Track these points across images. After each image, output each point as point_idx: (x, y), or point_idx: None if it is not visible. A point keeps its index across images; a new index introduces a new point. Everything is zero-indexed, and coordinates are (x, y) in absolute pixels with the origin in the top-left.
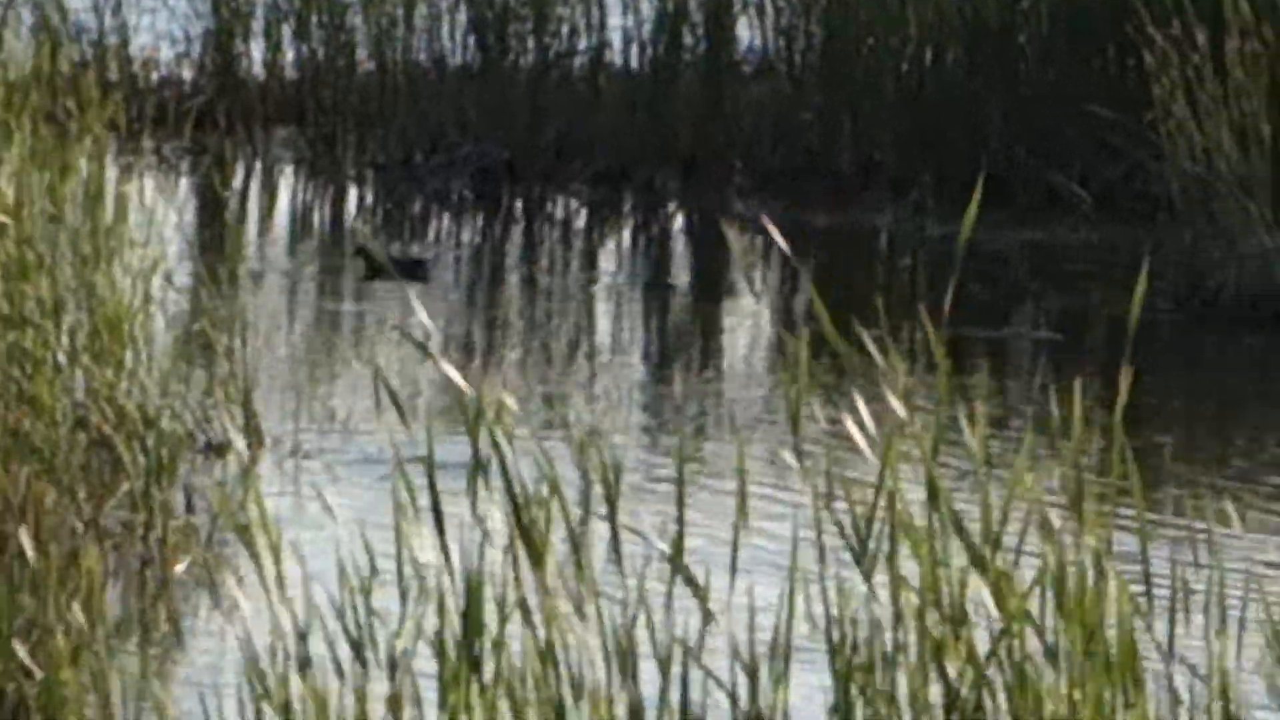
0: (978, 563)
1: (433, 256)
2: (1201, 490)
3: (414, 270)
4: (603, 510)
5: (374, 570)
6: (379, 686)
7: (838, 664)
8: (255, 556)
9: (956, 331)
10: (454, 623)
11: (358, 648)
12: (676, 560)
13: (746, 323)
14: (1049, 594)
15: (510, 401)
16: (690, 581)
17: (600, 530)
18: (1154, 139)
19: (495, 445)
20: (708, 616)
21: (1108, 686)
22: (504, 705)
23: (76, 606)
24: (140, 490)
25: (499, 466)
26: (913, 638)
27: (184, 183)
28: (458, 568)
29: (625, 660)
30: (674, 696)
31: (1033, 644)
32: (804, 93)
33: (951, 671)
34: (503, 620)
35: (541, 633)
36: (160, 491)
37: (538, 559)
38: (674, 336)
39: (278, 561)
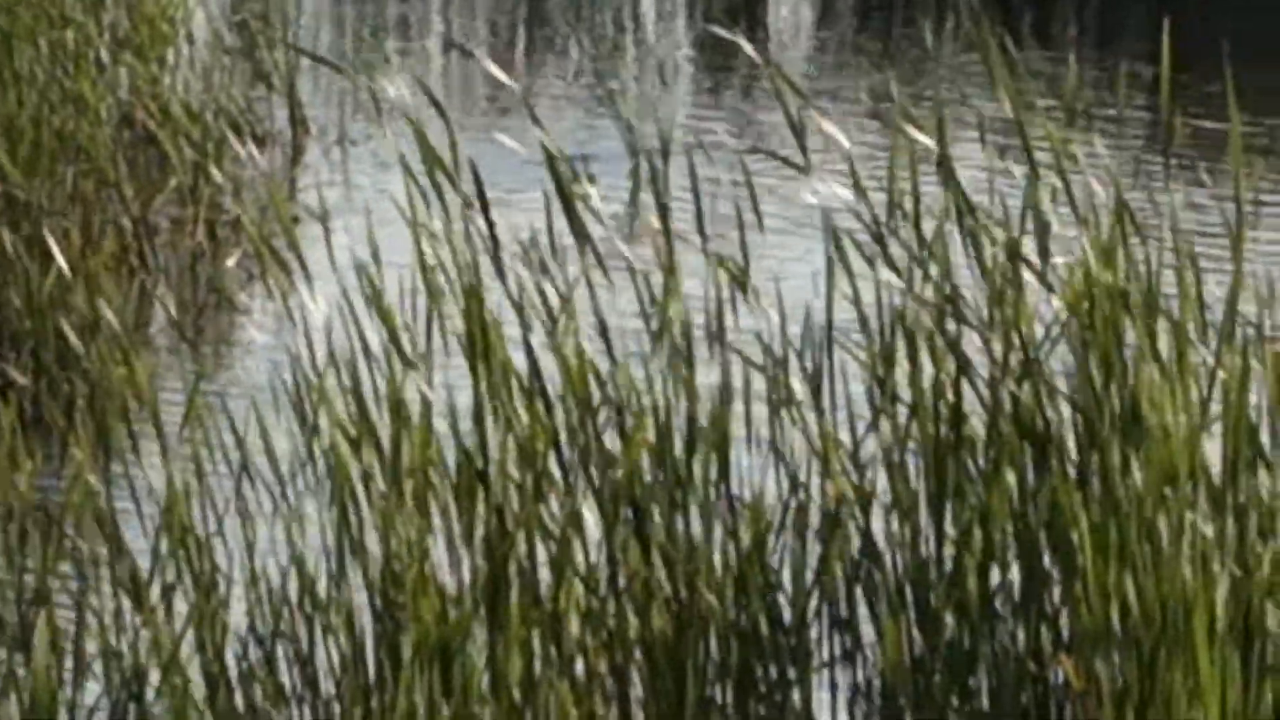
0: (1012, 252)
1: None
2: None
3: None
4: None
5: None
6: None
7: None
8: (304, 248)
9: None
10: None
11: (396, 338)
12: (707, 237)
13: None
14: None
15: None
16: (726, 261)
17: (647, 208)
18: None
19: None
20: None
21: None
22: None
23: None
24: (188, 185)
25: (540, 146)
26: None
27: None
28: (477, 254)
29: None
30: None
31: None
32: None
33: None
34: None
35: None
36: (208, 186)
37: (579, 229)
38: (718, 20)
39: (328, 251)
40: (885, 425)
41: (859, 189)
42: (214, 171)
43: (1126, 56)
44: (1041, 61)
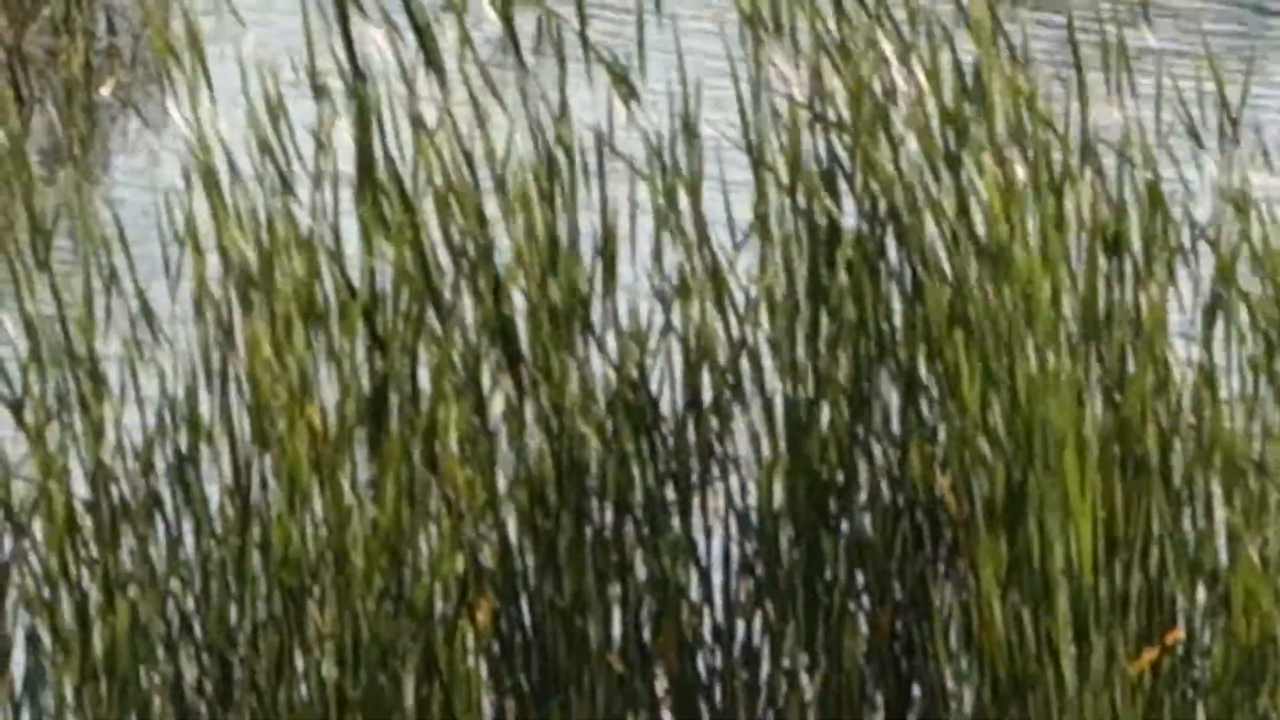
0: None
1: None
2: None
3: None
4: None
5: (292, 78)
6: (300, 197)
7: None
8: (176, 76)
9: None
10: (351, 130)
11: (274, 164)
12: (591, 47)
13: None
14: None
15: None
16: (615, 71)
17: (523, 29)
18: None
19: None
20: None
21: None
22: (427, 207)
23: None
24: (61, 15)
25: None
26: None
27: None
28: (360, 72)
29: (548, 156)
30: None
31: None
32: None
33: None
34: (417, 124)
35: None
36: (81, 14)
37: (437, 68)
38: None
39: (197, 77)
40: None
41: None
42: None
43: None
44: None
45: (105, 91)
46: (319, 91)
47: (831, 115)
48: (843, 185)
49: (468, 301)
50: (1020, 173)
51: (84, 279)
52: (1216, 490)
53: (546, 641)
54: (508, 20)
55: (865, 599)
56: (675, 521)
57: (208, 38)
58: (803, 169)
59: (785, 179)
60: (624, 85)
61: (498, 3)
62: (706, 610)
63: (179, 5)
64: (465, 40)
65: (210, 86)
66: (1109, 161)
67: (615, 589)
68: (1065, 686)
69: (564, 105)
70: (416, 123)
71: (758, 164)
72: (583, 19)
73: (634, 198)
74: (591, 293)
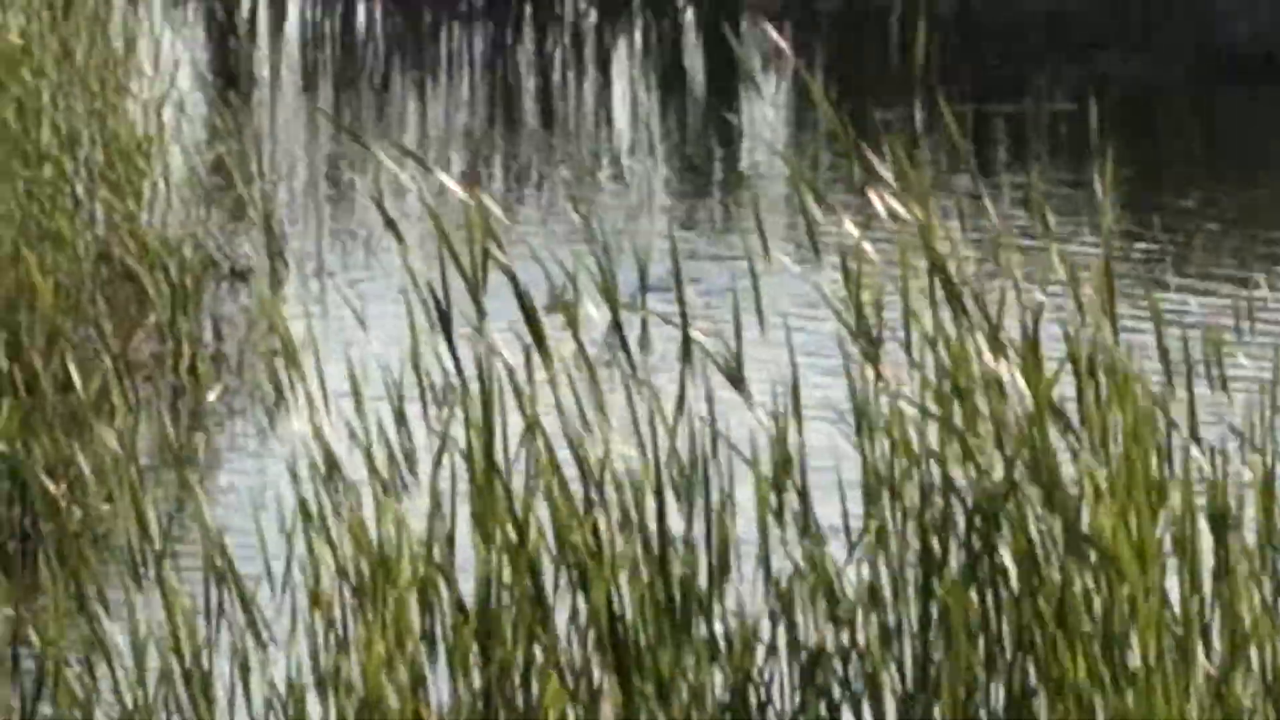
0: (994, 341)
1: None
2: (1226, 256)
3: None
4: (627, 306)
5: (399, 386)
6: (414, 501)
7: (862, 450)
8: (285, 379)
9: (975, 106)
10: (475, 436)
11: (387, 462)
12: (702, 347)
13: (765, 115)
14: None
15: (499, 212)
16: (726, 367)
17: (630, 323)
18: None
19: (490, 255)
20: (737, 386)
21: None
22: (540, 509)
23: (109, 438)
24: (167, 320)
25: (507, 277)
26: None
27: (190, 11)
28: (472, 378)
29: (655, 443)
30: (700, 476)
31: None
32: None
33: (973, 453)
34: (531, 429)
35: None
36: (186, 320)
37: (548, 361)
38: (693, 135)
39: (307, 382)
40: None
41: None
42: (193, 307)
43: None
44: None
45: (212, 396)
46: (430, 395)
47: (936, 411)
48: (951, 483)
49: (579, 602)
50: (1129, 469)
51: (195, 584)
52: None
53: None
54: (617, 325)
55: None
56: None
57: (317, 340)
58: (909, 477)
59: (893, 481)
60: (732, 383)
61: (605, 306)
62: None
63: (285, 310)
64: (577, 343)
65: (320, 390)
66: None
67: None
68: None
69: (681, 402)
70: (529, 425)
71: (865, 464)
72: (685, 317)
73: (742, 496)
74: (701, 593)
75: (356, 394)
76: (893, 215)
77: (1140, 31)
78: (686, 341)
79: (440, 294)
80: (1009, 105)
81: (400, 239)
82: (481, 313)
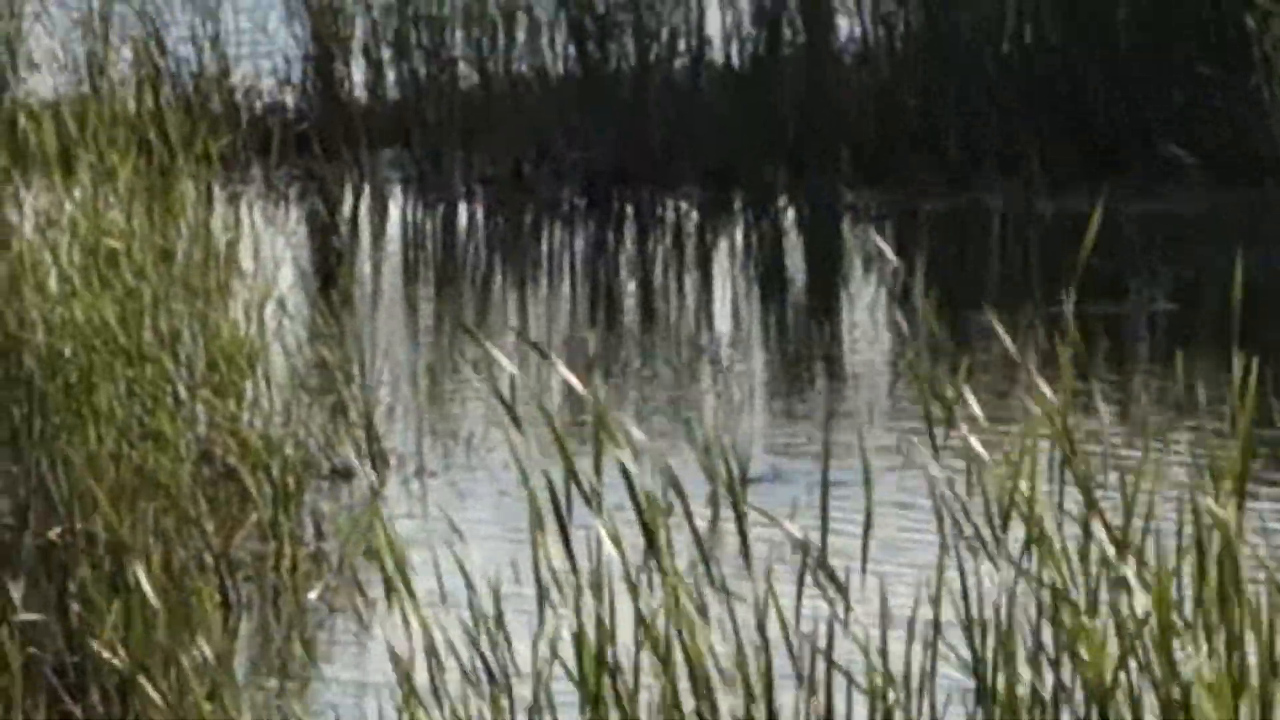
0: (1118, 543)
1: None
2: None
3: None
4: (730, 511)
5: (501, 587)
6: (520, 694)
7: (977, 657)
8: (386, 580)
9: (1076, 308)
10: (588, 635)
11: (492, 668)
12: (808, 551)
13: (866, 316)
14: (1191, 574)
15: (623, 416)
16: (827, 573)
17: (728, 531)
18: (1259, 99)
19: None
20: (843, 608)
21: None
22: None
23: (206, 642)
24: (268, 519)
25: (621, 475)
26: (1049, 630)
27: (292, 210)
28: (586, 578)
29: (759, 662)
30: (807, 697)
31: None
32: (906, 76)
33: (1089, 661)
34: (641, 626)
35: (667, 636)
36: (288, 520)
37: (661, 561)
38: (794, 335)
39: (409, 584)
40: None
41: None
42: (294, 506)
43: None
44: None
45: (313, 596)
46: (539, 597)
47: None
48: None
49: None
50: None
51: None
52: None
53: None
54: (743, 535)
55: None
56: None
57: (418, 540)
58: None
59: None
60: (835, 593)
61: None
62: None
63: (385, 510)
64: (697, 543)
65: (411, 592)
66: None
67: None
68: None
69: (797, 610)
70: (641, 623)
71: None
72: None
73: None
74: None
75: (456, 596)
76: (1024, 409)
77: (1240, 234)
78: (805, 549)
79: (558, 487)
80: (1107, 306)
81: (519, 426)
82: (599, 507)
